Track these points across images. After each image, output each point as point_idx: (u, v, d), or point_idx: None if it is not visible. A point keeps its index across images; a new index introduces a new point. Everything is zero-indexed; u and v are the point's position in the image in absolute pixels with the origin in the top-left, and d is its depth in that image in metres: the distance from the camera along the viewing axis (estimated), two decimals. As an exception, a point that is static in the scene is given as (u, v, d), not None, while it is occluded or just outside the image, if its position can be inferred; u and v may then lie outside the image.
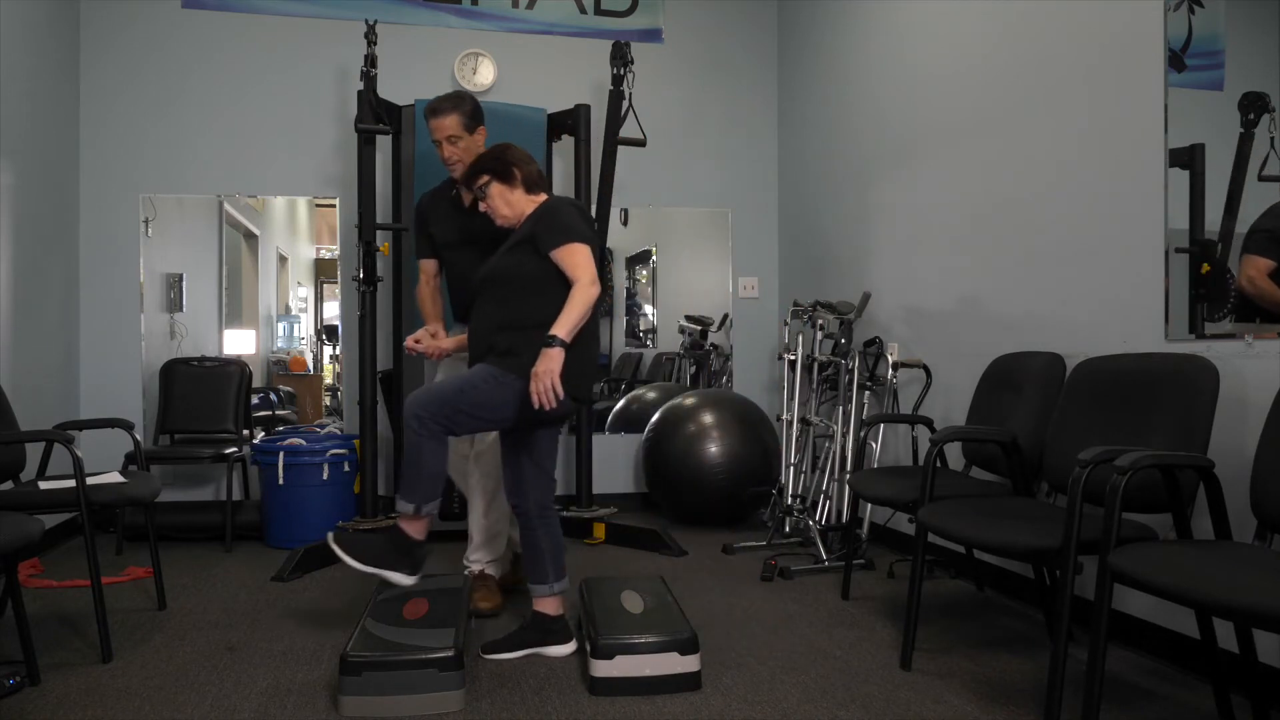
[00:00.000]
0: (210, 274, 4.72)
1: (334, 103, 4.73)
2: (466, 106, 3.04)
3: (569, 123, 4.36)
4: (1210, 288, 2.43)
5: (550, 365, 2.37)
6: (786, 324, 4.40)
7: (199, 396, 4.45)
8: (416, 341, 2.96)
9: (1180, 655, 2.48)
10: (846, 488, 3.77)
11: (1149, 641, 2.58)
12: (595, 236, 2.60)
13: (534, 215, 2.61)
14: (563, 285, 2.50)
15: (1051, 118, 3.03)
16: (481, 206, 2.69)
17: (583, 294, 2.46)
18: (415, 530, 2.51)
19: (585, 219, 2.63)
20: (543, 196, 2.69)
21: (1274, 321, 2.25)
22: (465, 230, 3.05)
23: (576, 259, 2.50)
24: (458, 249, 3.08)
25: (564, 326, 2.41)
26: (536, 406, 2.37)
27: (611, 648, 2.33)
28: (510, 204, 2.65)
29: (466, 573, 3.05)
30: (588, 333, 2.56)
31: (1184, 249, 2.50)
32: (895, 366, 3.82)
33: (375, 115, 3.98)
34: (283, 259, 5.17)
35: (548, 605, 2.62)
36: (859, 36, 4.38)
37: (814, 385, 4.24)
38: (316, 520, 4.05)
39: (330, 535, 2.52)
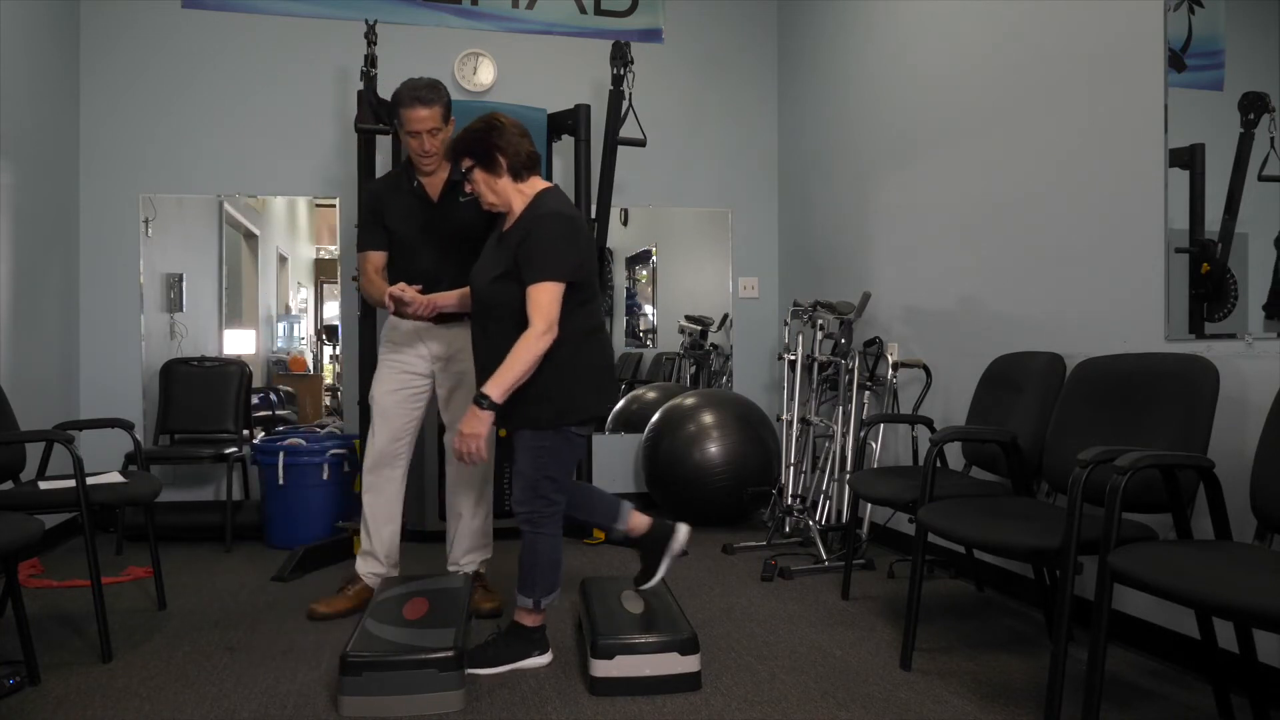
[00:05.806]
0: (210, 274, 4.71)
1: (334, 103, 4.72)
2: (447, 97, 2.88)
3: (569, 123, 4.36)
4: (1210, 288, 2.43)
5: (476, 429, 2.32)
6: (786, 324, 4.40)
7: (199, 396, 4.45)
8: (403, 291, 2.64)
9: (1180, 655, 2.48)
10: (846, 488, 3.77)
11: (1149, 641, 2.58)
12: (579, 256, 2.39)
13: (521, 231, 2.40)
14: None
15: (1052, 118, 3.03)
16: (467, 187, 2.50)
17: (528, 346, 2.29)
18: (532, 620, 2.54)
19: (571, 238, 2.39)
20: (534, 185, 2.49)
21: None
22: (429, 226, 2.90)
23: (539, 299, 2.31)
24: (419, 246, 2.91)
25: (498, 385, 2.29)
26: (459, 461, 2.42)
27: (611, 648, 2.33)
28: (496, 192, 2.47)
29: (461, 572, 3.04)
30: (559, 366, 2.38)
31: (1184, 249, 2.50)
32: (895, 366, 3.82)
33: (375, 115, 3.98)
34: (283, 259, 5.17)
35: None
36: (859, 36, 4.38)
37: (814, 385, 4.24)
38: (316, 520, 4.07)
39: (467, 669, 2.40)
